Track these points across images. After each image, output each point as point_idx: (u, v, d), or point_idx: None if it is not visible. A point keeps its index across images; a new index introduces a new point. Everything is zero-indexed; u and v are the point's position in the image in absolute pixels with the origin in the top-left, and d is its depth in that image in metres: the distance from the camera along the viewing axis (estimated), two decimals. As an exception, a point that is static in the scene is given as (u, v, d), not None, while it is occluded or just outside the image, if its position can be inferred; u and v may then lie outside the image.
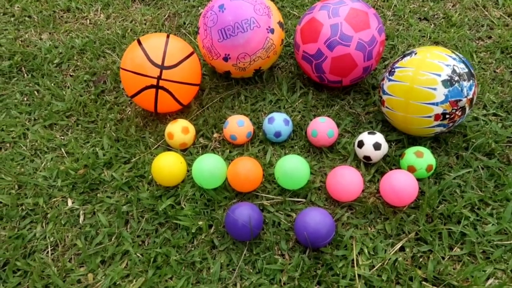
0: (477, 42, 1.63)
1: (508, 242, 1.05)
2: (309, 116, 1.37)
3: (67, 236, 1.14)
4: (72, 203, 1.21)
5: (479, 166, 1.20)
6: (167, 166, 1.15)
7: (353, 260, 1.04)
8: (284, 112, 1.39)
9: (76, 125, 1.42)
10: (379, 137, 1.20)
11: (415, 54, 1.20)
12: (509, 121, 1.32)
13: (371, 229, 1.11)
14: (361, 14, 1.31)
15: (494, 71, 1.49)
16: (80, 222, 1.17)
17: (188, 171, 1.24)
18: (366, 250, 1.06)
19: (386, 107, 1.24)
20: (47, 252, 1.12)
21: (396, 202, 1.10)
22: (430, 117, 1.16)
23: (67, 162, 1.30)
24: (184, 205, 1.18)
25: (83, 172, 1.26)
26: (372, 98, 1.41)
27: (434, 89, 1.13)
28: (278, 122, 1.26)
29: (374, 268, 1.03)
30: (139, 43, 1.29)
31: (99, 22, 1.86)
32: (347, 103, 1.42)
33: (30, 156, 1.33)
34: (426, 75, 1.14)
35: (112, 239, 1.12)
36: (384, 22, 1.74)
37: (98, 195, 1.22)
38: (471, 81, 1.15)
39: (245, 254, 1.07)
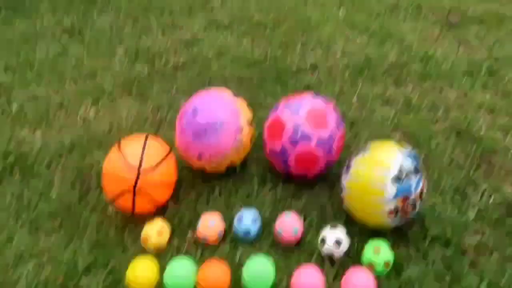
0: (435, 125, 1.75)
1: (466, 338, 1.08)
2: (278, 209, 1.45)
3: None
4: (50, 314, 1.25)
5: (438, 257, 1.26)
6: (139, 276, 1.22)
7: None
8: (254, 208, 1.45)
9: (59, 228, 1.50)
10: (340, 233, 1.27)
11: (368, 150, 1.30)
12: (465, 206, 1.39)
13: (335, 329, 1.14)
14: (319, 114, 1.45)
15: (450, 156, 1.59)
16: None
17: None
18: None
19: (346, 202, 1.33)
20: None
21: (356, 302, 1.15)
22: (383, 212, 1.24)
23: (47, 271, 1.34)
24: (157, 311, 1.23)
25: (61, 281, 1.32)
26: (338, 188, 1.50)
27: (384, 186, 1.22)
28: (247, 222, 1.35)
29: None
30: (119, 147, 1.42)
31: (88, 118, 2.01)
32: (314, 195, 1.50)
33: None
34: (377, 172, 1.24)
35: None
36: (349, 110, 1.87)
37: (75, 304, 1.27)
38: (418, 175, 1.24)
39: None
